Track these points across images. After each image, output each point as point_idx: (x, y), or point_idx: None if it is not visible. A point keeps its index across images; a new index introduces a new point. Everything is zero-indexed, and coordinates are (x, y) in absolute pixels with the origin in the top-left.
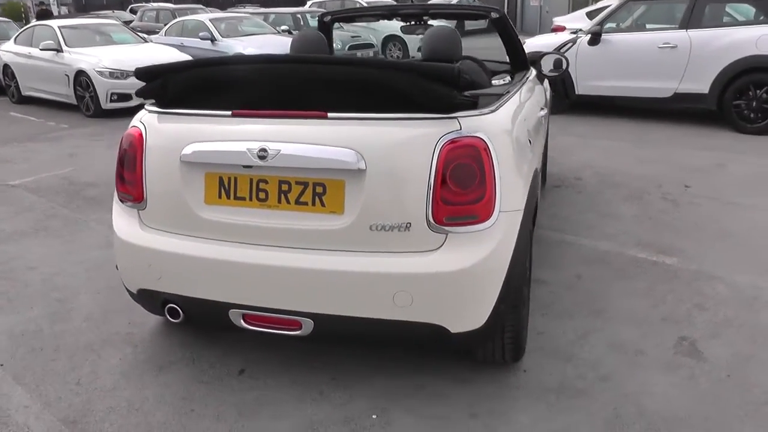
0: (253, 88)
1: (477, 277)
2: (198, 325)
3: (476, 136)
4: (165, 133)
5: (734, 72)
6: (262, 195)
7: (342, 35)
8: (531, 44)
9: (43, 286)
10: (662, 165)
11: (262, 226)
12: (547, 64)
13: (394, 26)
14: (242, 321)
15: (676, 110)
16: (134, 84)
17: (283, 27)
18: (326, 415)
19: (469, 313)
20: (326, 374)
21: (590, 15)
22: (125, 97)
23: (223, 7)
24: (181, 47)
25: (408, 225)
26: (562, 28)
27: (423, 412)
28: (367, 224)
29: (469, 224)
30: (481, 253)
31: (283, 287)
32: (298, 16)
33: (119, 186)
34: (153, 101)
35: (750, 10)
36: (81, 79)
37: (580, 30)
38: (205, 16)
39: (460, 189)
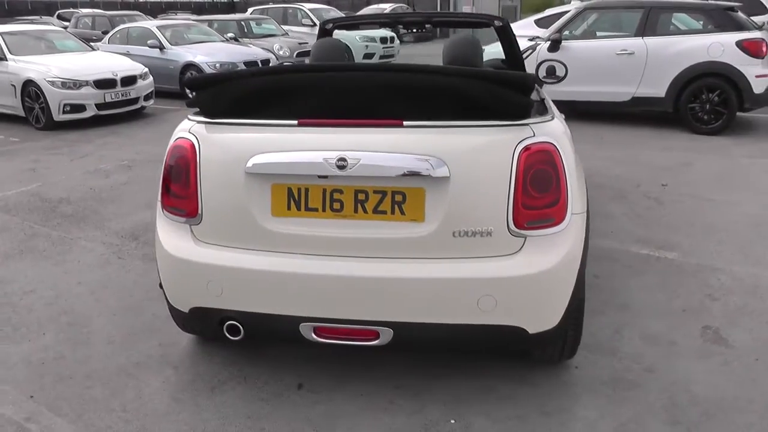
0: (319, 96)
1: (555, 278)
2: (259, 340)
3: (549, 142)
4: (224, 144)
5: (688, 77)
6: (336, 205)
7: (290, 42)
8: (489, 52)
9: (48, 310)
10: (633, 166)
11: (336, 237)
12: (541, 71)
13: (341, 33)
14: (313, 334)
15: (634, 113)
16: (88, 94)
17: (230, 34)
18: (403, 424)
19: (546, 314)
20: (389, 383)
21: (539, 23)
22: (79, 108)
23: (153, 14)
24: (126, 56)
25: (490, 230)
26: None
27: (497, 415)
28: (450, 231)
29: (546, 227)
30: (559, 255)
31: (360, 297)
32: (242, 23)
33: (166, 200)
34: (198, 111)
35: (693, 20)
36: (29, 90)
37: (538, 37)
38: (151, 23)
39: (538, 193)
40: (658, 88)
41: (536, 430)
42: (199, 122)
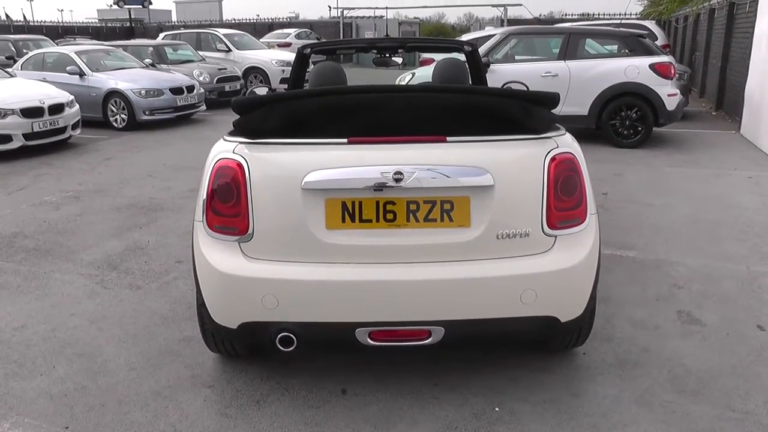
0: (364, 115)
1: (583, 270)
2: (312, 349)
3: (569, 152)
4: (278, 163)
5: (609, 96)
6: (389, 216)
7: (209, 68)
8: (419, 75)
9: (49, 344)
10: None
11: (390, 245)
12: None
13: (255, 58)
14: (368, 339)
15: None
16: (15, 123)
17: (147, 60)
18: (456, 415)
19: (575, 304)
20: (426, 381)
21: None
22: (4, 138)
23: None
24: (43, 82)
25: (528, 232)
26: (431, 60)
27: (533, 399)
28: (494, 234)
29: (573, 227)
30: (585, 250)
31: (414, 300)
32: (158, 49)
33: (213, 221)
34: (237, 133)
35: (609, 46)
36: None
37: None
38: (69, 48)
39: (567, 197)
40: (581, 106)
41: (572, 409)
42: (243, 143)
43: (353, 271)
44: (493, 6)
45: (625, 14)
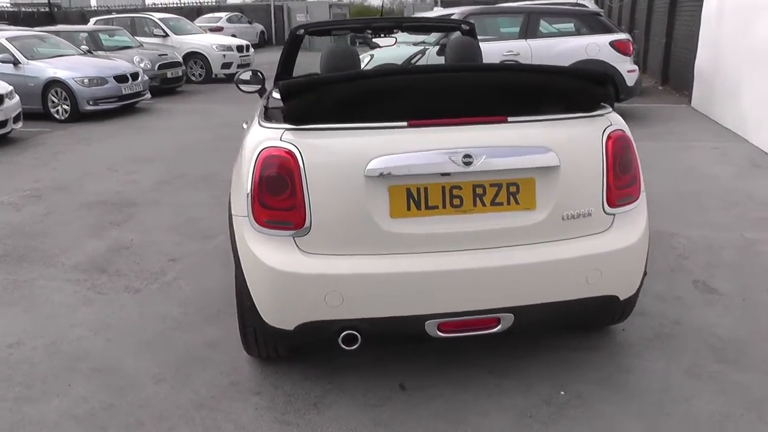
0: (421, 97)
1: (640, 248)
2: (375, 345)
3: (622, 129)
4: (337, 150)
5: None
6: (456, 201)
7: (150, 54)
8: (378, 57)
9: (55, 360)
10: None
11: (457, 232)
12: None
13: (194, 43)
14: (437, 331)
15: None
16: None
17: (84, 47)
18: (525, 402)
19: (633, 280)
20: (482, 370)
21: None
22: None
23: None
24: None
25: (590, 211)
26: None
27: (590, 379)
28: (560, 215)
29: (629, 204)
30: (641, 228)
31: (483, 288)
32: (94, 35)
33: (263, 215)
34: (277, 119)
35: (568, 24)
36: None
37: (423, 42)
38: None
39: (624, 175)
40: None
41: (630, 387)
42: (291, 129)
43: (422, 262)
44: None
45: None
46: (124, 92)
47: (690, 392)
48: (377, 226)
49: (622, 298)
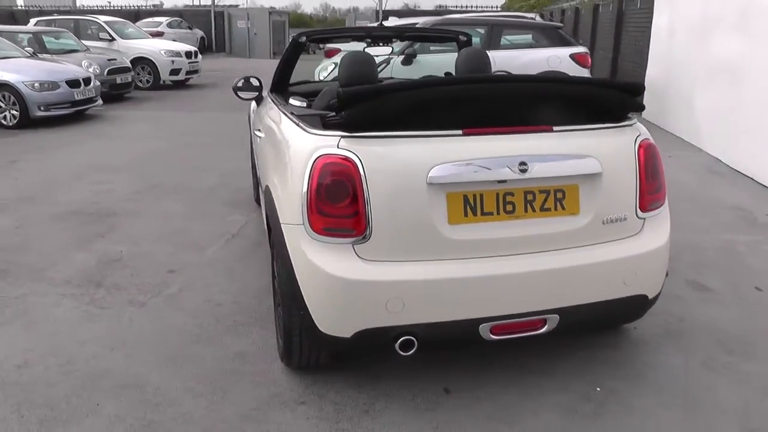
0: (473, 106)
1: (666, 249)
2: (431, 350)
3: (649, 139)
4: (397, 157)
5: None
6: (509, 207)
7: (98, 59)
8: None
9: (75, 379)
10: None
11: (510, 237)
12: None
13: (142, 48)
14: (490, 333)
15: None
16: None
17: (28, 49)
18: (567, 400)
19: (659, 280)
20: (520, 371)
21: None
22: None
23: None
24: None
25: (626, 216)
26: (337, 51)
27: (620, 375)
28: (601, 219)
29: (657, 209)
30: (666, 231)
31: (533, 290)
32: (38, 37)
33: (320, 222)
34: (326, 126)
35: (529, 37)
36: None
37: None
38: None
39: (654, 181)
40: None
41: (658, 381)
42: (348, 137)
43: (478, 266)
44: None
45: (496, 7)
46: (76, 98)
47: (710, 383)
48: (437, 232)
49: (650, 297)
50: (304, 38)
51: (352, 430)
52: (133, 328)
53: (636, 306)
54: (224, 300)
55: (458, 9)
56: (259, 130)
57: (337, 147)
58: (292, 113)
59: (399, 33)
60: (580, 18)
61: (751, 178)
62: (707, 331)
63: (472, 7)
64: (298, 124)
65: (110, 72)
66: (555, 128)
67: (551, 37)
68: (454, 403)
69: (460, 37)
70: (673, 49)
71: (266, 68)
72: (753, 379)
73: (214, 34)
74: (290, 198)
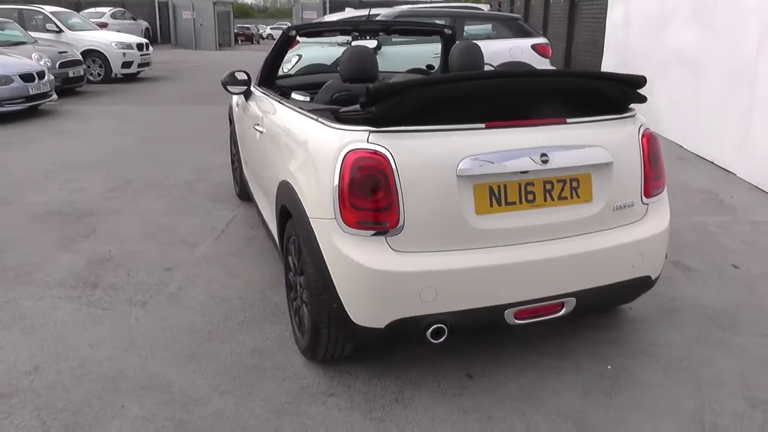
0: (495, 99)
1: (667, 233)
2: (460, 336)
3: (649, 129)
4: (427, 150)
5: None
6: (530, 197)
7: (49, 51)
8: (308, 57)
9: (91, 383)
10: None
11: (531, 225)
12: None
13: (92, 40)
14: (514, 318)
15: None
16: None
17: None
18: (582, 379)
19: (661, 262)
20: (533, 354)
21: None
22: None
23: None
24: None
25: (633, 203)
26: (296, 42)
27: (625, 353)
28: (612, 206)
29: (658, 194)
30: (667, 215)
31: (552, 275)
32: None
33: (353, 215)
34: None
35: (491, 28)
36: None
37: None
38: None
39: (655, 168)
40: None
41: (662, 357)
42: (377, 131)
43: (504, 254)
44: None
45: None
46: (31, 92)
47: (708, 357)
48: (466, 222)
49: (653, 278)
50: (293, 32)
51: (386, 418)
52: (141, 328)
53: (641, 286)
54: (228, 296)
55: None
56: (257, 126)
57: (367, 141)
58: (303, 108)
59: (386, 26)
60: (530, 9)
61: (712, 163)
62: (697, 308)
63: None
64: (317, 120)
65: (62, 65)
66: (568, 120)
67: (512, 28)
68: (478, 387)
69: (445, 30)
70: (630, 40)
71: (217, 61)
72: (744, 351)
73: (159, 25)
74: (318, 193)
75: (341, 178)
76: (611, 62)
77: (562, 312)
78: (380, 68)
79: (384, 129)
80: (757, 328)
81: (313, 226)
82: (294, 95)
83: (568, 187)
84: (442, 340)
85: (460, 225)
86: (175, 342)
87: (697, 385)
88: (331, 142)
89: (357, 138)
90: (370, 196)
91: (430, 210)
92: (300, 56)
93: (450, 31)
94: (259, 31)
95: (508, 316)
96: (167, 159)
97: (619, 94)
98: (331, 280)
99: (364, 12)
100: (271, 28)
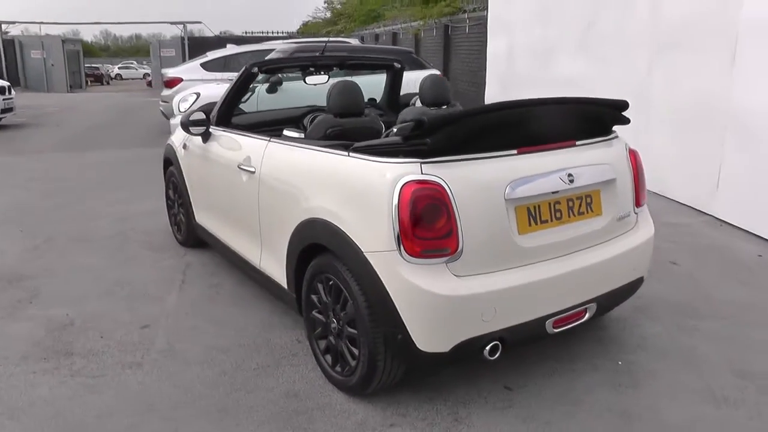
0: (521, 126)
1: (653, 238)
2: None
3: (631, 148)
4: (477, 178)
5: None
6: (558, 214)
7: None
8: (207, 95)
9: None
10: None
11: (560, 240)
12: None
13: None
14: (552, 327)
15: None
16: None
17: None
18: (601, 377)
19: (648, 264)
20: (548, 361)
21: (205, 66)
22: None
23: None
24: None
25: (629, 213)
26: (179, 80)
27: (625, 348)
28: (616, 217)
29: (644, 204)
30: (651, 222)
31: (580, 284)
32: None
33: (417, 245)
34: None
35: None
36: None
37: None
38: None
39: (642, 181)
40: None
41: (655, 347)
42: (427, 162)
43: (544, 269)
44: (172, 24)
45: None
46: None
47: (691, 343)
48: (514, 242)
49: (644, 278)
50: (256, 69)
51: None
52: (149, 389)
53: (636, 286)
54: (227, 345)
55: (262, 35)
56: (243, 166)
57: (421, 173)
58: (319, 145)
59: (341, 62)
60: (398, 43)
61: None
62: (663, 303)
63: (270, 32)
64: (357, 157)
65: None
66: (577, 142)
67: (407, 61)
68: (522, 397)
69: (395, 64)
70: (514, 71)
71: (78, 103)
72: (715, 334)
73: (5, 66)
74: (373, 227)
75: (400, 210)
76: (495, 92)
77: (586, 317)
78: (281, 105)
79: (434, 159)
80: (715, 313)
81: (370, 260)
82: (287, 132)
83: (584, 203)
84: (497, 356)
85: (509, 245)
86: (197, 398)
87: (695, 367)
88: (381, 176)
89: (408, 170)
90: (432, 224)
91: (483, 233)
92: (198, 94)
93: (399, 65)
94: (108, 71)
95: (548, 326)
96: (79, 211)
97: (609, 117)
98: (395, 310)
99: (267, 46)
100: (119, 68)
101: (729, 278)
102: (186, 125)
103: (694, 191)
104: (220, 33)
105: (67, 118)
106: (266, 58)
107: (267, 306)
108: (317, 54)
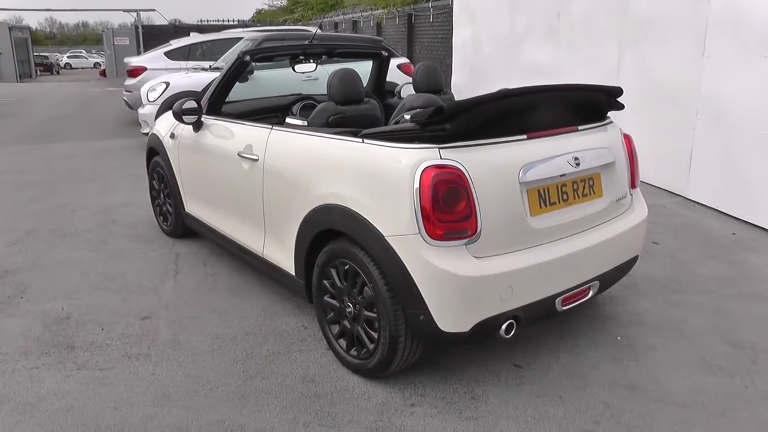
0: (530, 112)
1: (647, 218)
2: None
3: (623, 131)
4: (493, 162)
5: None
6: (564, 196)
7: None
8: (176, 84)
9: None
10: None
11: (566, 221)
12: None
13: None
14: (561, 305)
15: None
16: None
17: None
18: (604, 352)
19: (642, 243)
20: (553, 339)
21: (169, 55)
22: None
23: None
24: None
25: (625, 194)
26: (143, 69)
27: (621, 323)
28: (615, 199)
29: (637, 186)
30: (645, 203)
31: (585, 263)
32: None
33: (439, 228)
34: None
35: None
36: None
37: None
38: None
39: (636, 164)
40: None
41: (649, 322)
42: (445, 147)
43: (556, 249)
44: (125, 11)
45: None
46: None
47: (681, 317)
48: (527, 224)
49: (639, 256)
50: (248, 57)
51: (478, 416)
52: (163, 379)
53: (631, 264)
54: (234, 334)
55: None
56: (245, 154)
57: (440, 158)
58: (329, 133)
59: (330, 50)
60: (358, 31)
61: None
62: (649, 280)
63: (225, 20)
64: (373, 143)
65: None
66: (579, 127)
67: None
68: (532, 374)
69: (382, 53)
70: (481, 58)
71: (32, 94)
72: (703, 306)
73: None
74: (394, 211)
75: (421, 194)
76: (462, 78)
77: (590, 295)
78: (254, 94)
79: (452, 144)
80: (699, 287)
81: (391, 244)
82: (290, 120)
83: (587, 185)
84: (512, 334)
85: (523, 226)
86: (214, 387)
87: (688, 339)
88: (400, 162)
89: (428, 156)
90: (453, 208)
91: (500, 216)
92: (168, 84)
93: (386, 53)
94: (57, 60)
95: (558, 303)
96: (57, 204)
97: (605, 103)
98: (418, 292)
99: (235, 33)
100: (68, 57)
101: (708, 255)
102: (179, 114)
103: (668, 174)
104: (174, 21)
105: (24, 109)
106: (247, 47)
107: (266, 293)
108: (306, 42)
